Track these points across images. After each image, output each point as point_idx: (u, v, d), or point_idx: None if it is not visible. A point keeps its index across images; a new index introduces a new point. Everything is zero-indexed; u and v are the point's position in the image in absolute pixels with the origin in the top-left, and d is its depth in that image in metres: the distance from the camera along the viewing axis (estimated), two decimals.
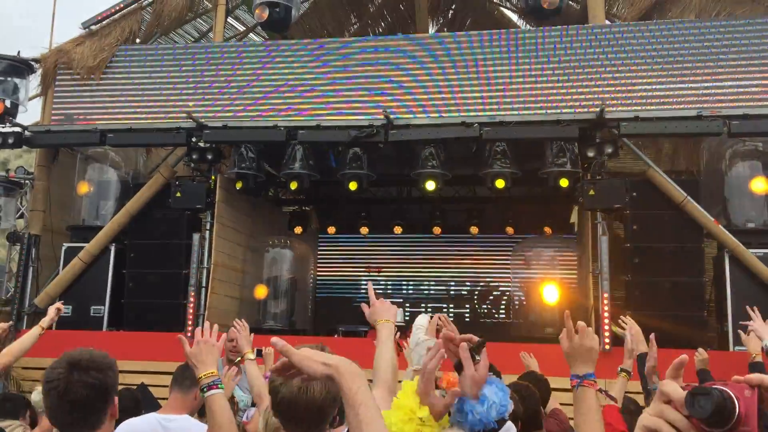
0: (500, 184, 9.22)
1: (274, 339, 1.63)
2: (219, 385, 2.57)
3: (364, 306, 2.76)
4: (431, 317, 2.89)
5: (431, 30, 13.70)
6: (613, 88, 8.94)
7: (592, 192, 8.72)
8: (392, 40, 10.31)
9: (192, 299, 9.37)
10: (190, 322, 9.19)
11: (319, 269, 13.97)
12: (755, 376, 0.99)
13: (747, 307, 4.36)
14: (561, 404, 4.98)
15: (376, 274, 13.57)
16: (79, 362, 2.24)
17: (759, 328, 4.16)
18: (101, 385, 2.24)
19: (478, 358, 1.44)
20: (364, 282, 14.14)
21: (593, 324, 8.53)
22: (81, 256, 9.90)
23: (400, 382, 2.51)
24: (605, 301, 8.47)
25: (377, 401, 2.31)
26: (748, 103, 8.58)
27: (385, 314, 2.69)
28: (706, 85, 8.77)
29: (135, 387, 4.96)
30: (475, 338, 1.45)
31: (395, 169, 10.25)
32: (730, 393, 0.98)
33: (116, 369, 2.37)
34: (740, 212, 9.19)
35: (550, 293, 10.10)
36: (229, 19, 12.10)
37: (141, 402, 4.31)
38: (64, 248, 10.22)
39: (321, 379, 1.65)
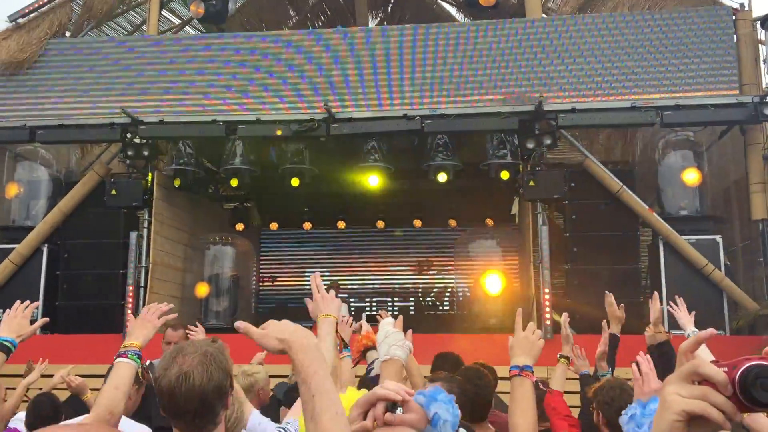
0: (442, 177, 9.28)
1: (237, 323, 1.69)
2: (129, 355, 2.53)
3: (308, 300, 2.70)
4: (395, 319, 2.88)
5: (371, 24, 13.67)
6: (551, 80, 9.09)
7: (532, 183, 8.86)
8: (332, 33, 10.23)
9: (131, 300, 9.12)
10: (128, 323, 8.92)
11: (261, 266, 13.80)
12: None
13: (676, 296, 4.51)
14: (503, 392, 5.03)
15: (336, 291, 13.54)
16: None
17: (682, 317, 4.32)
18: None
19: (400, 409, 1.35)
20: (307, 277, 14.03)
21: (534, 312, 8.68)
22: (11, 257, 9.51)
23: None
24: (546, 290, 8.62)
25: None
26: (680, 94, 8.85)
27: (326, 309, 2.63)
28: (639, 76, 9.01)
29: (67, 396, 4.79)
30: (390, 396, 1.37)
31: (338, 163, 10.18)
32: None
33: None
34: (673, 200, 9.47)
35: (493, 282, 10.22)
36: (164, 12, 11.80)
37: (61, 408, 4.16)
38: None
39: (275, 353, 1.64)
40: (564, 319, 4.40)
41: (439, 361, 4.41)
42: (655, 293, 4.39)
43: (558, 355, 4.32)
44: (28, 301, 2.94)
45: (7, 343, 2.77)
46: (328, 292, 2.67)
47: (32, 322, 2.91)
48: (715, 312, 8.66)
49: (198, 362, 1.95)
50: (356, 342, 3.09)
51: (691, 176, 9.33)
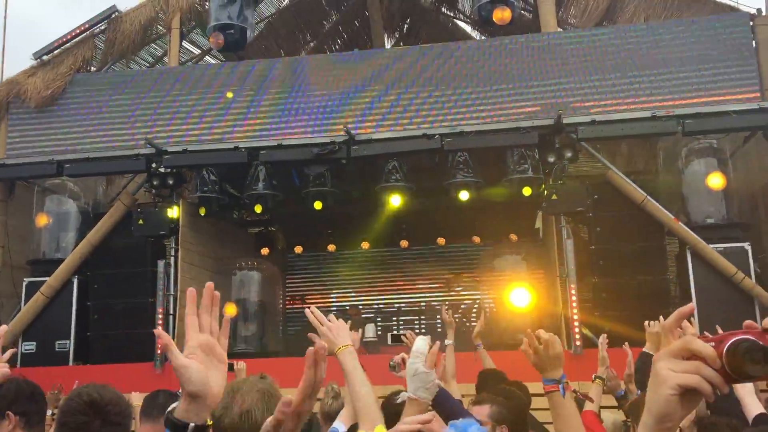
0: (464, 195, 9.29)
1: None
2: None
3: (313, 336, 2.49)
4: (430, 343, 2.70)
5: (387, 45, 13.79)
6: (570, 93, 9.09)
7: (554, 197, 8.83)
8: (349, 56, 10.34)
9: (160, 328, 9.21)
10: (159, 351, 9.02)
11: (288, 289, 13.85)
12: None
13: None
14: (535, 409, 5.00)
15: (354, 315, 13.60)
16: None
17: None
18: None
19: None
20: (334, 299, 14.08)
21: (563, 328, 8.61)
22: (43, 290, 9.67)
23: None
24: (574, 305, 8.55)
25: None
26: (701, 100, 8.79)
27: (340, 339, 2.51)
28: (659, 85, 8.98)
29: None
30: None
31: (360, 185, 10.24)
32: (761, 343, 0.98)
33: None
34: (699, 209, 9.37)
35: (520, 296, 10.16)
36: (184, 43, 12.02)
37: None
38: (25, 283, 9.96)
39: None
40: (602, 340, 4.41)
41: (482, 379, 4.36)
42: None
43: (593, 376, 4.30)
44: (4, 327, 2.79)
45: None
46: (336, 317, 2.60)
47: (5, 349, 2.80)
48: (747, 320, 8.52)
49: (258, 399, 2.02)
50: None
51: (716, 180, 9.22)
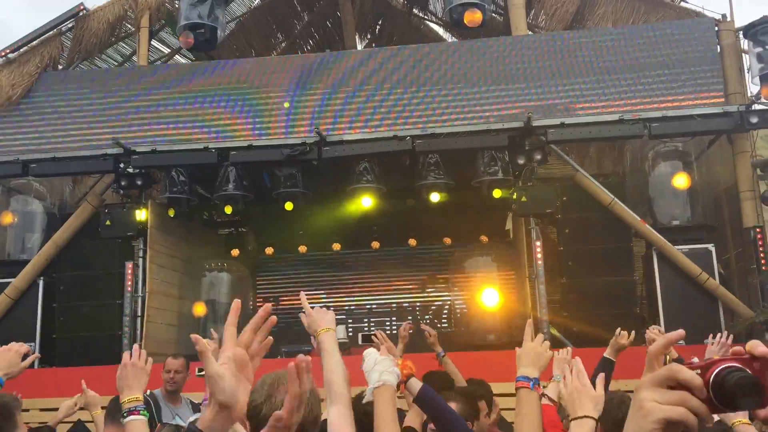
0: (435, 196, 9.34)
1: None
2: (141, 411, 2.46)
3: (302, 316, 2.71)
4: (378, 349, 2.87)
5: (359, 46, 13.80)
6: (539, 96, 9.19)
7: (524, 198, 8.92)
8: (320, 56, 10.33)
9: (128, 329, 9.10)
10: (118, 373, 8.90)
11: (258, 290, 13.78)
12: (764, 349, 0.92)
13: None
14: (505, 409, 5.04)
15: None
16: None
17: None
18: None
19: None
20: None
21: (532, 327, 8.69)
22: (7, 292, 9.50)
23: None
24: (543, 305, 8.65)
25: (336, 419, 2.27)
26: (667, 105, 8.95)
27: (323, 323, 2.63)
28: (626, 89, 9.12)
29: (73, 424, 4.78)
30: None
31: (331, 186, 10.23)
32: (745, 369, 0.93)
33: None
34: (665, 211, 9.54)
35: (490, 297, 10.24)
36: (154, 42, 11.89)
37: None
38: None
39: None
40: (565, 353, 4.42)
41: (429, 380, 4.37)
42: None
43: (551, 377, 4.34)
44: (24, 345, 2.93)
45: None
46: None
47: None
48: (712, 320, 8.69)
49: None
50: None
51: (680, 180, 9.40)
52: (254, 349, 1.62)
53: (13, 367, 2.83)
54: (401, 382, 2.89)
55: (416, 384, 2.99)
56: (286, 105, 9.53)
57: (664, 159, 9.74)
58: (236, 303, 1.60)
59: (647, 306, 9.37)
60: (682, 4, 9.93)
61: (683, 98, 8.98)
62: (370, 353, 2.74)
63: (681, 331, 1.08)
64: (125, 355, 2.64)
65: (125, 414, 2.46)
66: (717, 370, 0.93)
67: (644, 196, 9.79)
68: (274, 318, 1.65)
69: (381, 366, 2.65)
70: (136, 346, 2.72)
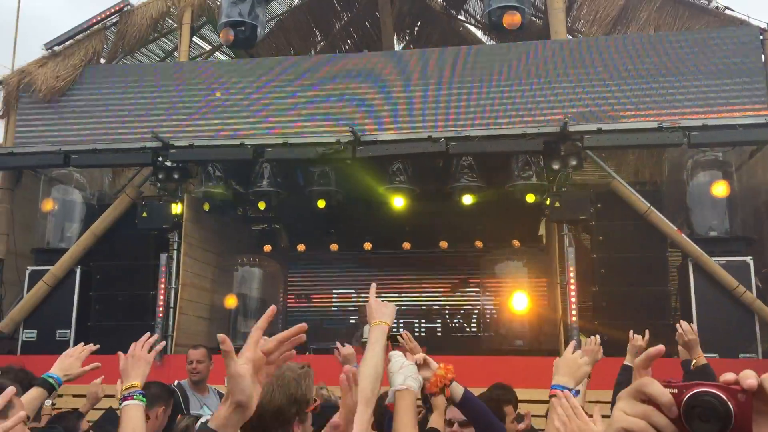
0: (468, 199, 9.32)
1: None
2: (135, 396, 2.52)
3: (366, 305, 2.76)
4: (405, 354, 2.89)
5: (397, 47, 13.82)
6: (576, 101, 9.10)
7: (557, 204, 8.84)
8: (358, 57, 10.37)
9: (160, 320, 9.25)
10: (120, 362, 9.06)
11: (289, 286, 13.89)
12: (753, 381, 0.87)
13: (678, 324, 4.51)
14: (532, 416, 5.01)
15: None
16: None
17: (687, 344, 4.33)
18: None
19: None
20: (335, 298, 14.11)
21: (562, 335, 8.62)
22: (46, 279, 9.72)
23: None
24: (573, 312, 8.56)
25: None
26: (708, 114, 8.79)
27: (378, 315, 2.67)
28: (666, 97, 8.98)
29: (104, 411, 4.87)
30: None
31: (363, 185, 10.27)
32: (725, 399, 0.88)
33: None
34: (702, 221, 9.37)
35: (519, 300, 10.18)
36: (195, 38, 12.07)
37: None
38: (28, 272, 10.01)
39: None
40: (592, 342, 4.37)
41: None
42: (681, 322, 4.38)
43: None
44: (90, 345, 3.17)
45: (51, 380, 2.89)
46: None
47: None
48: (747, 334, 8.53)
49: (267, 383, 1.98)
50: (435, 375, 2.93)
51: (720, 189, 9.22)
52: (274, 357, 1.65)
53: (72, 369, 3.02)
54: (445, 385, 2.91)
55: (459, 388, 3.03)
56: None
57: (703, 168, 9.56)
58: (272, 309, 1.64)
59: (681, 317, 9.18)
60: (727, 11, 9.73)
61: (725, 107, 8.81)
62: (396, 355, 2.76)
63: (661, 347, 1.05)
64: (132, 345, 2.72)
65: (121, 401, 2.53)
66: (694, 392, 0.90)
67: (682, 206, 9.63)
68: (303, 337, 1.68)
69: (407, 371, 2.68)
70: (146, 335, 2.78)
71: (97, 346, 3.17)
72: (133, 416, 2.47)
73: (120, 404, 2.54)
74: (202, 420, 2.80)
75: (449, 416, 3.38)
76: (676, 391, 0.91)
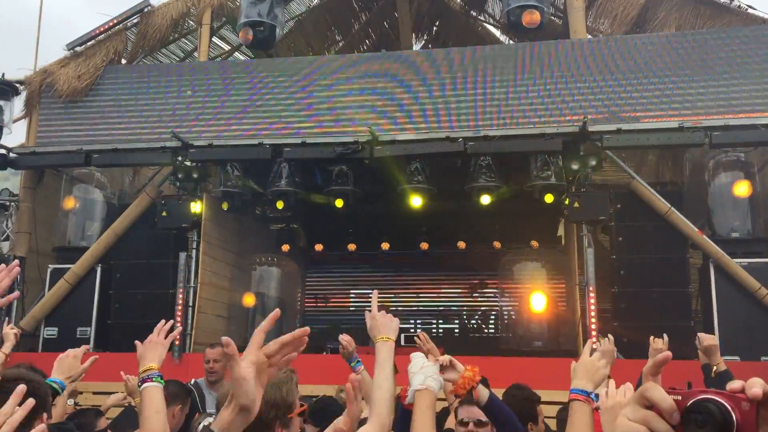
0: (486, 199, 9.28)
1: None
2: (154, 378, 2.54)
3: (367, 315, 2.70)
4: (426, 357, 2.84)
5: (415, 47, 13.80)
6: (596, 101, 9.03)
7: (576, 204, 8.77)
8: (377, 57, 10.37)
9: (179, 319, 9.31)
10: (177, 343, 9.12)
11: (307, 286, 13.93)
12: (758, 390, 0.86)
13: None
14: (549, 417, 4.98)
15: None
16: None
17: (707, 350, 4.30)
18: None
19: None
20: (353, 298, 14.13)
21: (580, 337, 8.56)
22: (67, 277, 9.83)
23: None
24: (592, 314, 8.49)
25: None
26: (729, 114, 8.69)
27: (384, 330, 2.62)
28: (687, 96, 8.88)
29: (123, 408, 4.92)
30: None
31: (381, 185, 10.27)
32: (727, 407, 0.87)
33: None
34: (724, 222, 9.26)
35: (538, 301, 10.13)
36: (214, 39, 12.14)
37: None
38: (49, 270, 10.13)
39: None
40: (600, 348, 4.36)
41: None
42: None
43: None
44: (84, 345, 3.23)
45: (55, 385, 2.92)
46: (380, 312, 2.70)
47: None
48: None
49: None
50: (462, 378, 2.91)
51: (742, 189, 9.10)
52: (276, 359, 1.63)
53: (73, 370, 3.06)
54: (472, 387, 2.89)
55: (485, 391, 3.02)
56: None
57: (725, 169, 9.44)
58: (276, 312, 1.63)
59: (702, 320, 9.11)
60: (750, 11, 9.61)
61: (747, 107, 8.70)
62: (417, 356, 2.74)
63: (668, 353, 1.04)
64: (149, 336, 2.77)
65: (140, 383, 2.55)
66: (696, 399, 0.89)
67: (703, 207, 9.51)
68: (305, 340, 1.66)
69: (427, 371, 2.64)
70: (162, 321, 2.83)
71: (88, 346, 3.23)
72: (155, 397, 2.48)
73: (139, 386, 2.56)
74: (204, 422, 2.81)
75: (463, 416, 3.36)
76: (680, 397, 0.91)
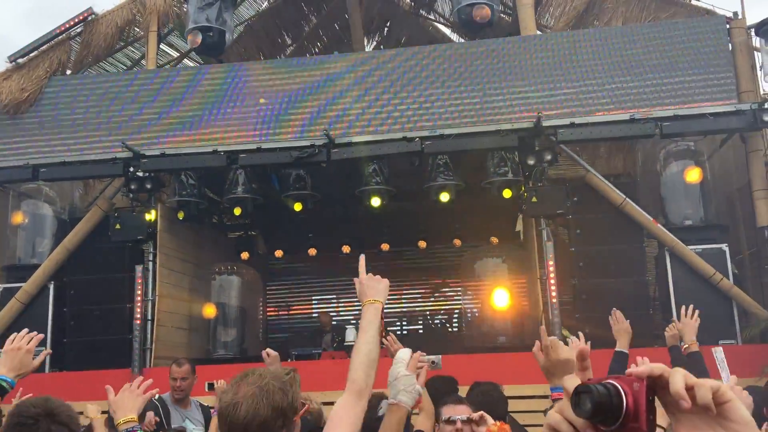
0: (445, 197, 9.30)
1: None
2: (138, 430, 2.52)
3: (356, 281, 2.56)
4: (413, 352, 2.63)
5: (367, 48, 13.77)
6: (549, 97, 9.13)
7: (534, 199, 8.86)
8: (329, 59, 10.31)
9: (138, 333, 9.10)
10: (136, 358, 8.92)
11: (269, 294, 13.77)
12: (643, 368, 0.92)
13: (684, 306, 4.63)
14: (515, 412, 4.99)
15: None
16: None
17: (685, 327, 4.43)
18: None
19: None
20: (315, 303, 14.03)
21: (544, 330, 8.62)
22: (18, 296, 9.51)
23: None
24: (554, 307, 8.57)
25: (339, 409, 2.17)
26: (678, 105, 8.86)
27: (371, 293, 2.48)
28: (637, 89, 9.03)
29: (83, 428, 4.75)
30: None
31: (340, 188, 10.21)
32: (618, 387, 0.92)
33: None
34: (677, 211, 9.45)
35: (500, 297, 10.18)
36: (162, 46, 11.90)
37: None
38: (0, 289, 9.80)
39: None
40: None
41: (433, 384, 4.23)
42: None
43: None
44: (34, 333, 2.78)
45: (3, 383, 2.62)
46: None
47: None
48: (726, 321, 8.60)
49: (251, 394, 1.90)
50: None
51: (693, 175, 9.29)
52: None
53: (25, 367, 2.70)
54: None
55: None
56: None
57: (675, 158, 9.64)
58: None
59: (660, 307, 9.28)
60: (693, 2, 9.83)
61: (695, 97, 8.89)
62: (400, 360, 2.53)
63: (585, 347, 1.11)
64: (125, 385, 2.72)
65: None
66: (585, 382, 0.95)
67: (656, 197, 9.70)
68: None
69: (402, 383, 2.46)
70: (139, 378, 2.77)
71: (41, 335, 2.87)
72: None
73: None
74: None
75: (449, 414, 3.23)
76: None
